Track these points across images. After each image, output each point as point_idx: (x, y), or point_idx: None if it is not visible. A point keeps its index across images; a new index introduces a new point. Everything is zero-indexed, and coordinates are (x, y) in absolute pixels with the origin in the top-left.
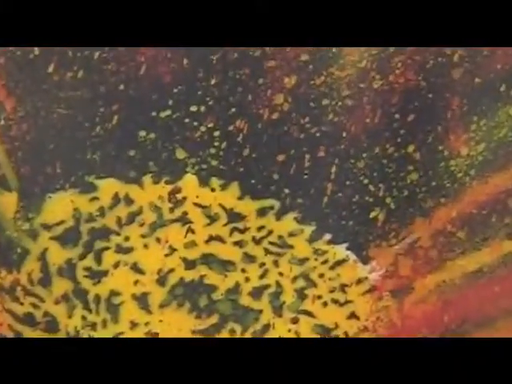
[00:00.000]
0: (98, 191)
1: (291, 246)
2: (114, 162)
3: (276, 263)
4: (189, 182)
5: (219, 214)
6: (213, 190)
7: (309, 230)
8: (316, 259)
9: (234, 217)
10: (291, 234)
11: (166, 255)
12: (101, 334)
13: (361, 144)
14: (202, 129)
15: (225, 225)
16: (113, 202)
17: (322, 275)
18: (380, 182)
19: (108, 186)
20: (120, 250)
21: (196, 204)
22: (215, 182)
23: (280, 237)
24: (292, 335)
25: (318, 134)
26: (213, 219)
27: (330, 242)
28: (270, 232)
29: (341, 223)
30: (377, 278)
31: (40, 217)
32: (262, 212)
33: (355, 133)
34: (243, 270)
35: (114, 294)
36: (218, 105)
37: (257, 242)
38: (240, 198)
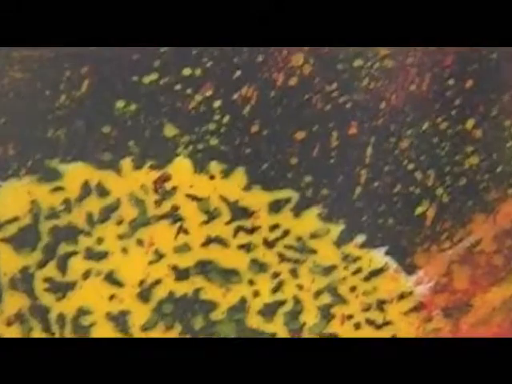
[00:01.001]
0: (62, 179)
1: (314, 251)
2: (83, 142)
3: (294, 273)
4: (180, 168)
5: (220, 209)
6: (212, 177)
7: (336, 229)
8: (346, 268)
9: (239, 213)
10: (314, 236)
11: (151, 262)
12: None
13: (404, 118)
14: (198, 98)
15: (227, 223)
16: (82, 194)
17: (353, 288)
18: (429, 168)
19: (75, 173)
20: (91, 255)
21: (190, 196)
22: (215, 167)
23: (299, 239)
24: None
25: (348, 105)
26: (212, 216)
27: (363, 246)
28: (287, 232)
29: (378, 221)
30: (425, 293)
31: None
32: (275, 206)
33: (397, 103)
34: (251, 282)
35: (83, 312)
36: (218, 67)
37: (269, 245)
38: (247, 189)
